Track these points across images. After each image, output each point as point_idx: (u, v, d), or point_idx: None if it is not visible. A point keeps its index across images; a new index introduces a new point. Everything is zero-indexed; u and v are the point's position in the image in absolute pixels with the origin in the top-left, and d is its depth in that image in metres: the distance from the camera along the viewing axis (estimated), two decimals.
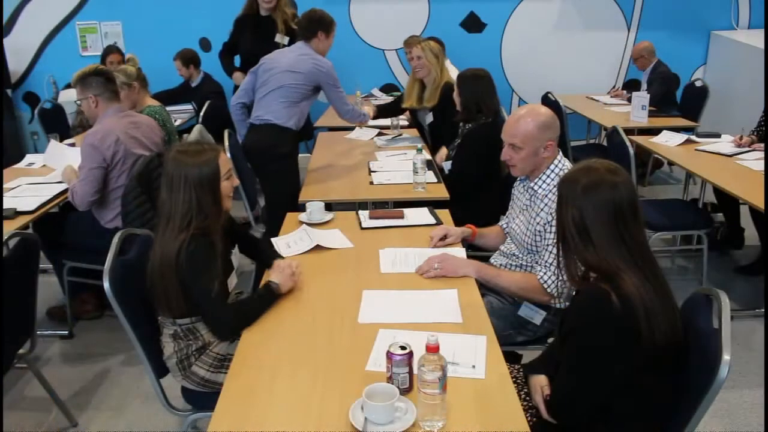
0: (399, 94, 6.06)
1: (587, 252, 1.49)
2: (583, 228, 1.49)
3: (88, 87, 2.99)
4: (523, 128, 2.13)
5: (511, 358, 2.38)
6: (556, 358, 1.61)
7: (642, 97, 4.81)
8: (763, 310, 3.29)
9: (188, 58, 5.41)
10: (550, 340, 2.22)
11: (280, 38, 4.43)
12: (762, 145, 3.75)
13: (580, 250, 1.51)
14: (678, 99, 5.49)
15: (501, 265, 2.34)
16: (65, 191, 3.08)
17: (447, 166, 3.53)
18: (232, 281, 2.07)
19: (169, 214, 1.85)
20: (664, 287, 1.48)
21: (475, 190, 3.34)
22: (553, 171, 2.17)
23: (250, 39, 4.47)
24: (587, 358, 1.47)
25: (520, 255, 2.28)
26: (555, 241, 2.06)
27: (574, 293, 1.61)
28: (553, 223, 2.08)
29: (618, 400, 1.49)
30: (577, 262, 1.54)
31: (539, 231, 2.15)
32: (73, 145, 3.80)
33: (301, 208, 2.74)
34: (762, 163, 3.44)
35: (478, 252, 2.65)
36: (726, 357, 1.38)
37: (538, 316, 2.20)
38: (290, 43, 4.25)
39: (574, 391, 1.51)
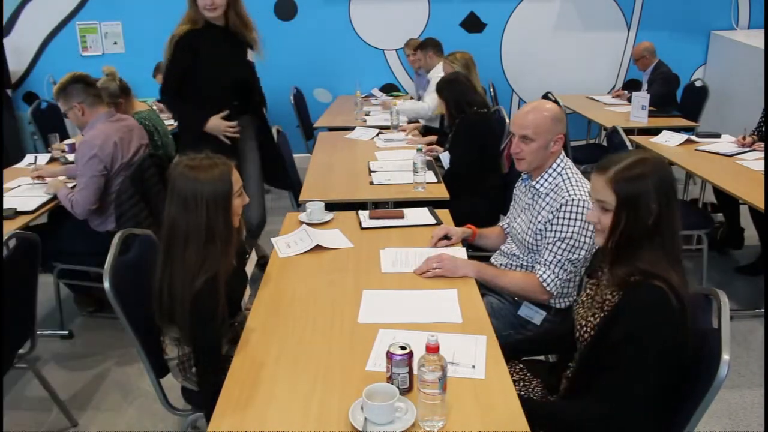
0: (399, 93, 6.12)
1: (646, 249, 1.45)
2: (656, 221, 1.44)
3: (71, 96, 2.97)
4: (536, 119, 2.12)
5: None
6: (585, 365, 1.57)
7: (642, 97, 4.81)
8: (763, 310, 3.29)
9: None
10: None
11: (251, 54, 3.46)
12: (762, 144, 3.75)
13: (642, 249, 1.45)
14: (678, 99, 5.49)
15: (501, 265, 2.35)
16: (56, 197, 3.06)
17: (446, 159, 3.56)
18: (245, 297, 2.03)
19: (186, 235, 1.73)
20: (686, 281, 1.47)
21: (475, 184, 3.37)
22: (554, 170, 2.17)
23: (209, 59, 3.19)
24: (655, 362, 1.39)
25: (521, 255, 2.28)
26: (555, 238, 2.08)
27: (617, 294, 1.52)
28: (554, 221, 2.09)
29: None
30: (630, 263, 1.46)
31: (540, 230, 2.15)
32: (72, 145, 3.80)
33: (301, 208, 2.74)
34: (762, 163, 3.44)
35: (478, 252, 2.65)
36: (725, 357, 1.38)
37: (538, 316, 2.20)
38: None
39: (640, 398, 1.41)
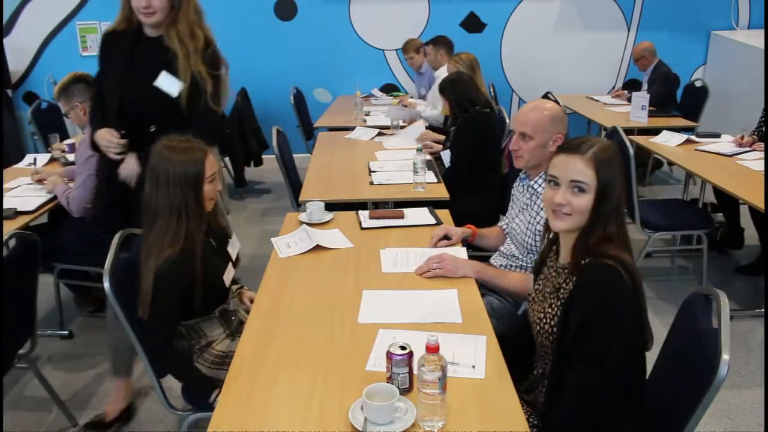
0: (399, 94, 6.11)
1: (614, 227, 1.48)
2: (619, 201, 1.48)
3: (72, 96, 2.97)
4: (535, 117, 2.13)
5: None
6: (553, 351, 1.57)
7: (642, 97, 4.81)
8: (762, 310, 3.29)
9: None
10: None
11: (166, 82, 2.42)
12: (762, 144, 3.75)
13: (608, 227, 1.48)
14: (678, 99, 5.49)
15: (501, 265, 2.35)
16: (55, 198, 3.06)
17: (446, 156, 3.56)
18: (230, 274, 2.07)
19: (155, 210, 1.84)
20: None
21: (475, 183, 3.37)
22: None
23: (118, 73, 2.51)
24: (617, 340, 1.41)
25: (520, 256, 2.28)
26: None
27: (570, 280, 1.52)
28: None
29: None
30: (584, 246, 1.49)
31: (539, 231, 2.15)
32: (72, 145, 3.81)
33: (301, 208, 2.74)
34: (762, 163, 3.44)
35: (478, 252, 2.65)
36: (725, 356, 1.38)
37: None
38: (194, 91, 2.43)
39: (606, 373, 1.42)
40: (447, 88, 3.63)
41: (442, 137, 4.15)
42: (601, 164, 1.47)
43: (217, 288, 1.97)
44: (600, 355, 1.41)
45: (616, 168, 1.50)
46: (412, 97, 5.81)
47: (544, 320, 1.58)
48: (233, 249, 2.16)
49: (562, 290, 1.54)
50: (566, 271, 1.54)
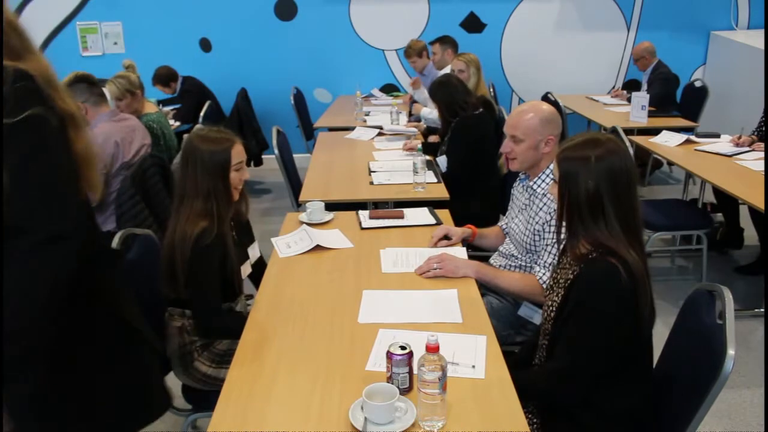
0: (399, 93, 6.11)
1: (597, 227, 1.51)
2: (597, 201, 1.51)
3: (74, 95, 2.97)
4: (525, 120, 2.15)
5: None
6: (549, 338, 1.63)
7: (641, 97, 4.81)
8: (762, 310, 3.29)
9: (166, 77, 5.36)
10: None
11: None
12: (762, 144, 3.75)
13: (589, 226, 1.52)
14: (677, 99, 5.49)
15: (500, 266, 2.35)
16: None
17: (443, 162, 3.55)
18: (246, 270, 2.11)
19: (182, 193, 1.92)
20: (646, 260, 1.53)
21: (473, 186, 3.36)
22: (552, 170, 2.17)
23: None
24: (594, 327, 1.49)
25: (519, 256, 2.28)
26: (554, 240, 2.08)
27: (576, 270, 1.58)
28: (552, 222, 2.09)
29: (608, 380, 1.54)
30: (580, 240, 1.55)
31: (538, 231, 2.15)
32: None
33: (301, 208, 2.74)
34: (762, 163, 3.44)
35: (478, 252, 2.65)
36: (731, 351, 1.39)
37: (537, 316, 2.20)
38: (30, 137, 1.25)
39: (580, 360, 1.52)
40: (436, 91, 3.56)
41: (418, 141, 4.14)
42: (561, 158, 1.58)
43: (231, 281, 1.99)
44: (574, 340, 1.51)
45: (586, 163, 1.52)
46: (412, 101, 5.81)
47: (551, 308, 1.64)
48: (252, 252, 2.20)
49: (567, 281, 1.59)
50: (573, 263, 1.60)
